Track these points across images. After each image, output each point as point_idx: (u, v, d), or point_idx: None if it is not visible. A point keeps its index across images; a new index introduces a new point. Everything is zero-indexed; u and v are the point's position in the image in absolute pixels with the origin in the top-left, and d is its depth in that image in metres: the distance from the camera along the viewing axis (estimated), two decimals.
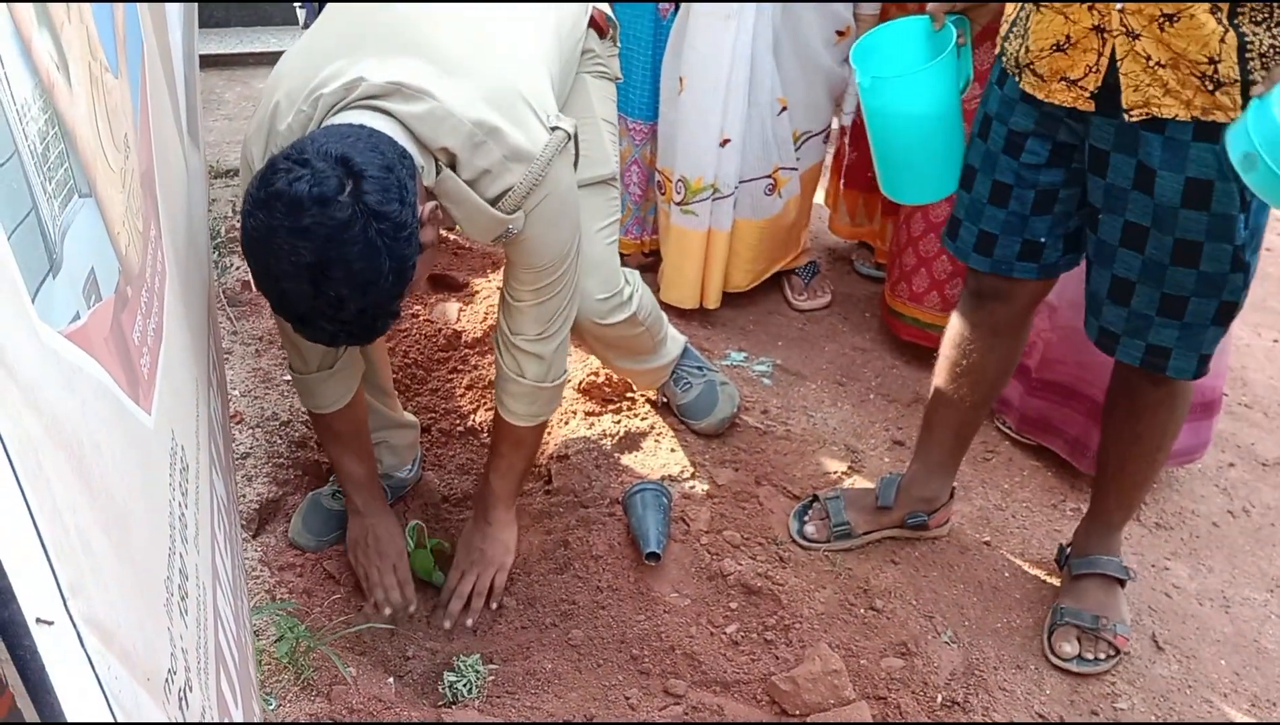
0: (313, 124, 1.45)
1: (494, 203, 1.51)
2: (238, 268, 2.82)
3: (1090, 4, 1.49)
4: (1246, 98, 1.42)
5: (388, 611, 1.92)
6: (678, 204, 2.65)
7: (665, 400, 2.41)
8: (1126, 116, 1.51)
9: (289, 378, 2.42)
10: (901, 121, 1.75)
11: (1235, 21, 1.40)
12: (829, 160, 3.04)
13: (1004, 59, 1.69)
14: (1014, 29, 1.65)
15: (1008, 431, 2.48)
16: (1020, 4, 1.63)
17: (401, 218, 1.32)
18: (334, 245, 1.28)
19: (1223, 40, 1.41)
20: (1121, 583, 1.98)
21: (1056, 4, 1.53)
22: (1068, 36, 1.54)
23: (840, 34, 2.57)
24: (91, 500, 0.67)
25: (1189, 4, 1.40)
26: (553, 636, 1.88)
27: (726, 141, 2.55)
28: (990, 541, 2.18)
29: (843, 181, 2.98)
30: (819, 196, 3.04)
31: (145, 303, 1.01)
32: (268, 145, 1.50)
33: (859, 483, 2.27)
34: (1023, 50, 1.61)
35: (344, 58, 1.48)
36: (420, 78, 1.45)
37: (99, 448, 0.72)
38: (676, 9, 2.56)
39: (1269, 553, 2.25)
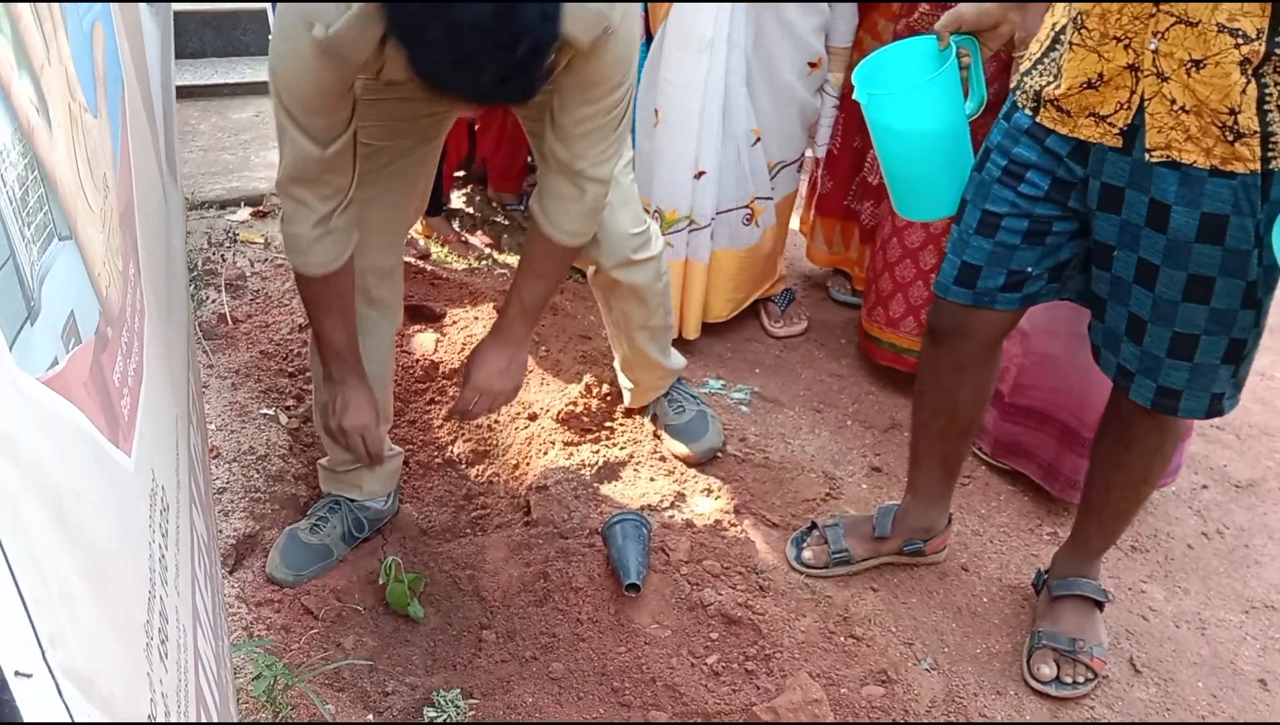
0: None
1: None
2: (213, 301, 2.81)
3: (1126, 44, 1.50)
4: (1267, 150, 1.43)
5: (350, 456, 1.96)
6: None
7: (652, 418, 2.42)
8: (1147, 156, 1.50)
9: (266, 411, 2.41)
10: (902, 137, 1.74)
11: (1260, 72, 1.40)
12: (803, 189, 3.07)
13: (1018, 93, 1.69)
14: (1039, 65, 1.65)
15: (983, 456, 2.50)
16: (1046, 42, 1.64)
17: None
18: None
19: (1243, 92, 1.41)
20: (1099, 605, 1.99)
21: (1091, 42, 1.53)
22: (1100, 74, 1.54)
23: (812, 65, 2.60)
24: (71, 548, 0.66)
25: (1217, 52, 1.41)
26: (533, 670, 1.87)
27: (701, 174, 2.57)
28: (968, 566, 2.19)
29: (818, 210, 3.01)
30: (793, 224, 3.06)
31: (125, 343, 1.01)
32: None
33: (838, 510, 2.28)
34: (1050, 86, 1.61)
35: None
36: None
37: (78, 494, 0.72)
38: (648, 42, 2.59)
39: (1243, 574, 2.28)
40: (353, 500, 2.14)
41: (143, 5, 1.83)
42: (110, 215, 1.06)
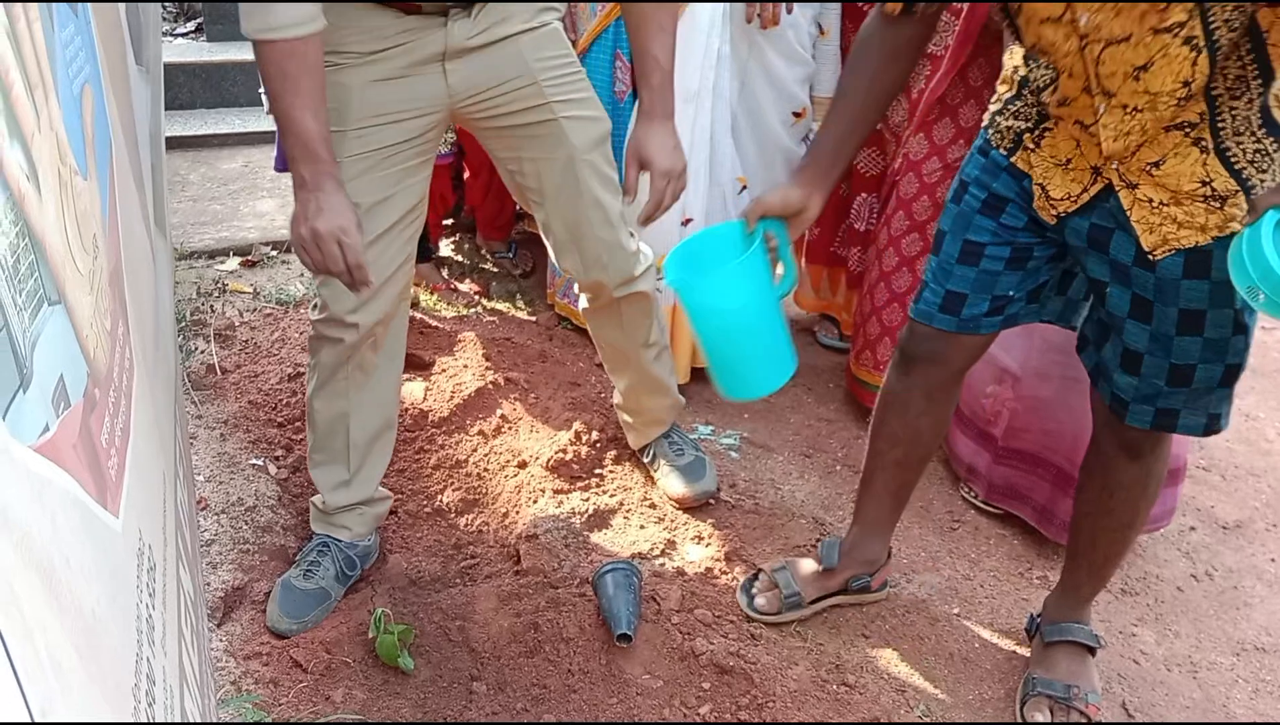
0: None
1: None
2: (202, 351, 2.81)
3: (1097, 142, 1.53)
4: (1249, 197, 1.45)
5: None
6: None
7: (651, 460, 2.45)
8: (1152, 256, 1.54)
9: (255, 462, 2.41)
10: (714, 320, 1.75)
11: (1218, 140, 1.44)
12: None
13: (992, 131, 1.73)
14: (1010, 107, 1.69)
15: (973, 501, 2.50)
16: (1014, 84, 1.68)
17: None
18: None
19: (1205, 164, 1.45)
20: (1092, 651, 1.99)
21: (1067, 131, 1.57)
22: (1068, 160, 1.59)
23: (797, 115, 2.64)
24: (61, 615, 0.66)
25: (1172, 147, 1.45)
26: (524, 722, 1.86)
27: (689, 221, 2.59)
28: (959, 612, 2.19)
29: (806, 257, 3.03)
30: None
31: (113, 403, 1.01)
32: None
33: None
34: (1030, 136, 1.65)
35: None
36: None
37: (68, 560, 0.72)
38: (634, 93, 2.62)
39: (1233, 616, 2.28)
40: (340, 541, 2.14)
41: (132, 62, 1.85)
42: (99, 276, 1.07)
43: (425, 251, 3.26)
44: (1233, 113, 1.42)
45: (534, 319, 3.21)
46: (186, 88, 4.71)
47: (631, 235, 2.17)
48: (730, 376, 1.82)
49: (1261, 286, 1.27)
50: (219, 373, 2.74)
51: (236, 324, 2.98)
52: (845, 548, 2.12)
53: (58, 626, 0.65)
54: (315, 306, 1.98)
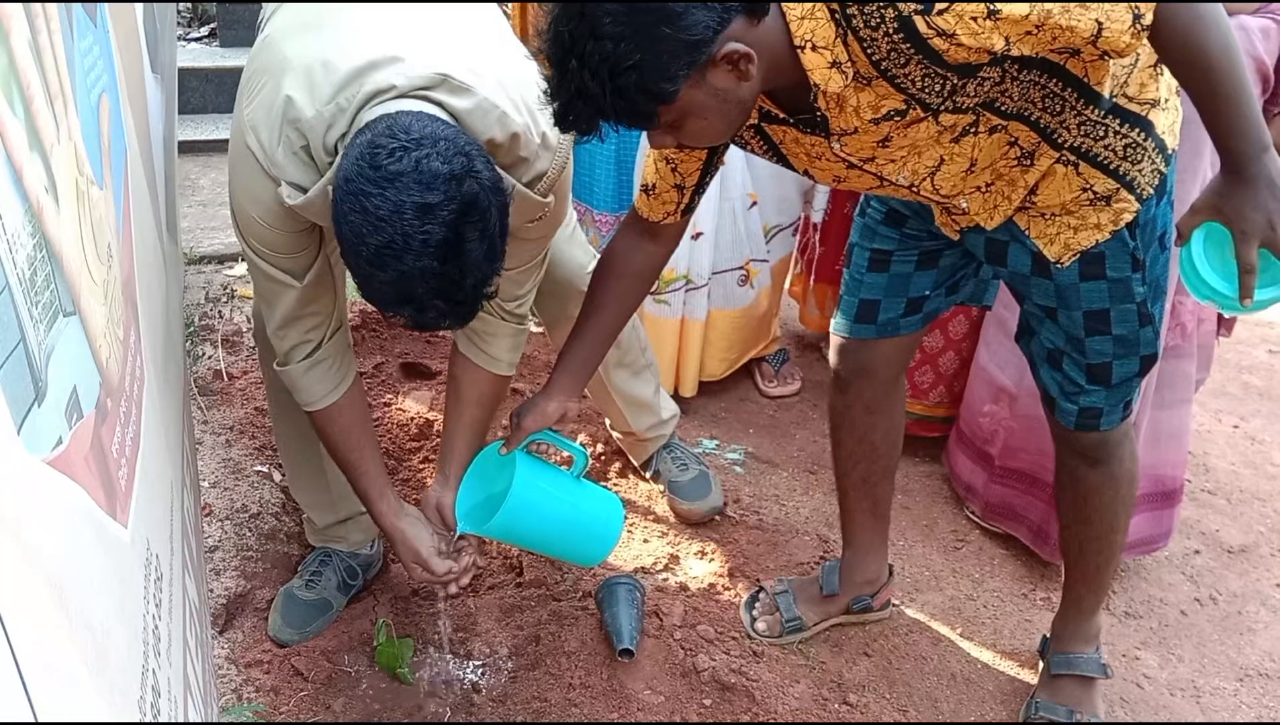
0: (350, 111, 1.39)
1: (529, 187, 1.53)
2: (209, 356, 2.81)
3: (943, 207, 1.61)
4: (1135, 191, 1.50)
5: (464, 581, 1.85)
6: (651, 293, 2.69)
7: (654, 475, 2.44)
8: (1060, 265, 1.57)
9: (260, 469, 2.41)
10: (526, 538, 1.81)
11: (1079, 149, 1.46)
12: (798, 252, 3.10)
13: None
14: None
15: (978, 520, 2.50)
16: None
17: (507, 194, 1.36)
18: (466, 221, 1.28)
19: (1079, 173, 1.49)
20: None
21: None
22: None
23: None
24: (70, 630, 0.67)
25: (1042, 171, 1.49)
26: None
27: (699, 235, 2.59)
28: (962, 632, 2.18)
29: (813, 276, 3.03)
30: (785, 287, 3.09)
31: (124, 412, 1.02)
32: (282, 134, 1.44)
33: None
34: None
35: (357, 44, 1.43)
36: (456, 69, 1.42)
37: (78, 572, 0.72)
38: None
39: (1237, 641, 2.27)
40: (341, 551, 2.14)
41: (148, 69, 1.86)
42: (113, 285, 1.08)
43: None
44: (1079, 128, 1.44)
45: (540, 330, 3.21)
46: (199, 92, 4.72)
47: (591, 253, 2.16)
48: (576, 556, 1.91)
49: (1214, 299, 1.38)
50: (226, 378, 2.75)
51: (244, 330, 2.98)
52: (842, 571, 2.12)
53: (68, 640, 0.66)
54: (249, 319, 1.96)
